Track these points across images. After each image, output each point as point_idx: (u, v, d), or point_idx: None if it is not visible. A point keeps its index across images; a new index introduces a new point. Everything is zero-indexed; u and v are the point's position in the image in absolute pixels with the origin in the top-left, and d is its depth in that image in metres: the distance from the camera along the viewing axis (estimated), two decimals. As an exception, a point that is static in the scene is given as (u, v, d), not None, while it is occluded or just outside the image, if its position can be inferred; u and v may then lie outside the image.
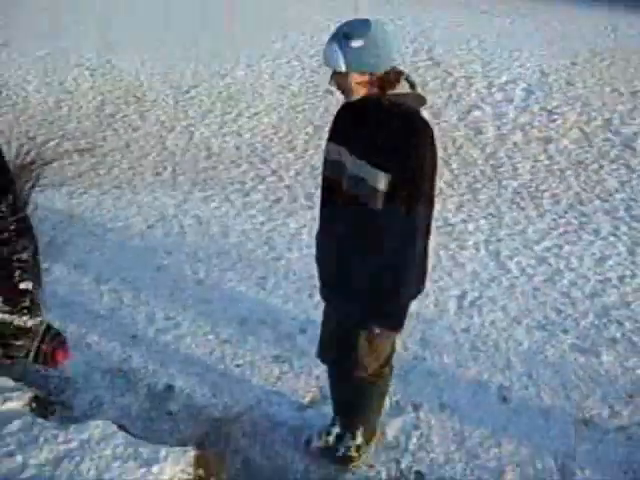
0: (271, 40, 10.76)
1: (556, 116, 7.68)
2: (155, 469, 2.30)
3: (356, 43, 2.28)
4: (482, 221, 5.33)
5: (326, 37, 2.39)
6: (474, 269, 4.67)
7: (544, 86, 8.75)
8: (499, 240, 5.05)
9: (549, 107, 7.98)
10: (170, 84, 8.75)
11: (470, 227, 5.24)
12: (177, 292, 4.34)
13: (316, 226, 2.80)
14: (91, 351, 3.75)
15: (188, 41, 10.67)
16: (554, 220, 5.39)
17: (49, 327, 1.64)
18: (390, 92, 2.37)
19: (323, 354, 2.96)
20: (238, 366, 3.69)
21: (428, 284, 4.42)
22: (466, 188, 5.92)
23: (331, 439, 3.05)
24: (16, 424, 2.46)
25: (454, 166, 6.34)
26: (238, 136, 7.10)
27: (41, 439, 2.38)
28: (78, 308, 4.13)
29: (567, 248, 4.97)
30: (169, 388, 3.51)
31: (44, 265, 4.43)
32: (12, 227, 1.42)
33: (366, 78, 2.34)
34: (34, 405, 2.70)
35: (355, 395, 2.94)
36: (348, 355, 2.74)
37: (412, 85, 2.42)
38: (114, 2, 13.46)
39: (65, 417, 2.94)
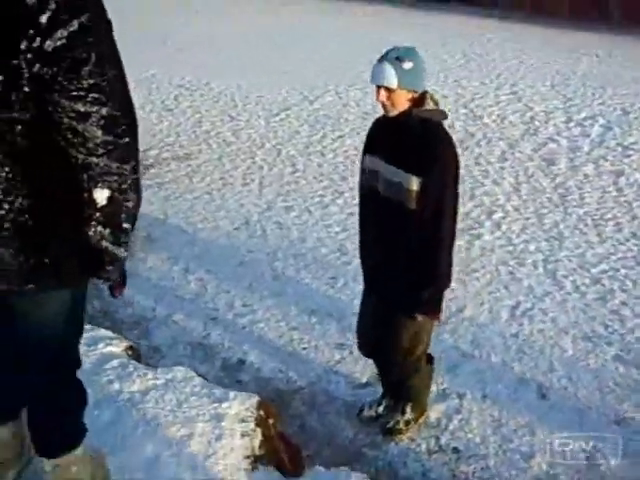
0: (360, 70, 11.33)
1: (631, 151, 7.87)
2: (224, 405, 2.78)
3: (407, 65, 2.76)
4: (543, 243, 5.64)
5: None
6: (530, 284, 4.98)
7: (623, 123, 8.94)
8: (557, 260, 5.34)
9: (625, 143, 8.17)
10: (262, 106, 9.41)
11: (531, 247, 5.55)
12: (255, 284, 4.86)
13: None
14: (177, 326, 4.30)
15: (281, 68, 11.36)
16: (614, 246, 5.63)
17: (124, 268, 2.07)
18: (419, 108, 2.83)
19: (363, 347, 3.40)
20: (304, 349, 4.15)
21: (484, 294, 4.82)
22: (532, 213, 6.22)
23: (381, 409, 3.50)
24: (115, 362, 3.00)
25: (523, 192, 6.65)
26: (322, 156, 7.62)
27: (134, 374, 2.92)
28: (168, 292, 4.69)
29: (623, 272, 5.21)
30: (241, 362, 4.01)
31: (141, 255, 5.05)
32: (129, 181, 1.86)
33: (409, 95, 2.82)
34: (129, 352, 3.25)
35: (403, 377, 3.38)
36: (389, 341, 3.16)
37: (436, 102, 2.88)
38: (215, 32, 14.38)
39: (152, 373, 3.46)
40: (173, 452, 2.50)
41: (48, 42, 1.65)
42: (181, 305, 4.55)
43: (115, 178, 1.84)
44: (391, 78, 2.74)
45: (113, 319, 4.13)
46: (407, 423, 3.45)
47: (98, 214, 1.86)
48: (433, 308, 3.05)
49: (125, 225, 1.92)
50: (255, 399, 2.88)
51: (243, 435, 2.66)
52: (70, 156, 1.78)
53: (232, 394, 2.87)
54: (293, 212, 6.13)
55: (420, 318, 3.07)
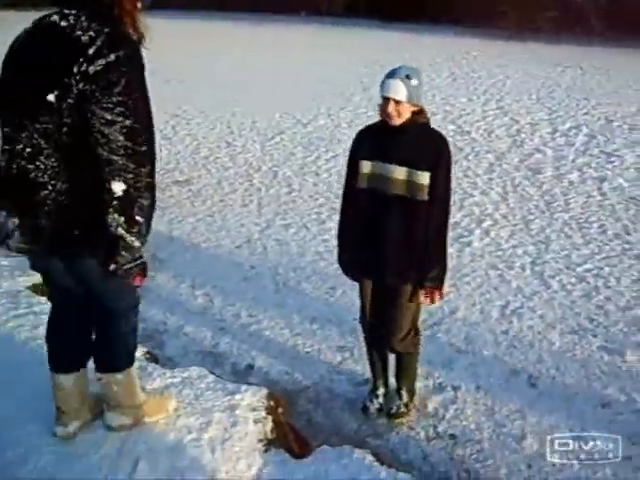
0: (351, 93, 11.71)
1: (614, 158, 8.20)
2: (237, 397, 3.06)
3: (414, 82, 3.21)
4: (530, 247, 5.93)
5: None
6: (518, 285, 5.26)
7: (606, 131, 9.28)
8: (544, 262, 5.63)
9: (609, 150, 8.51)
10: (257, 132, 9.76)
11: (519, 251, 5.84)
12: (259, 297, 5.14)
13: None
14: (187, 338, 4.58)
15: (275, 94, 11.74)
16: (598, 247, 5.92)
17: (143, 260, 2.55)
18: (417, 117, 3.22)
19: (368, 324, 3.70)
20: (307, 353, 4.42)
21: (476, 296, 5.09)
22: (520, 220, 6.52)
23: (381, 400, 3.82)
24: (136, 364, 3.27)
25: (510, 201, 6.97)
26: (316, 175, 7.95)
27: (154, 374, 3.21)
28: (177, 306, 4.97)
29: (607, 270, 5.50)
30: (250, 367, 4.28)
31: (150, 274, 5.32)
32: (144, 182, 2.38)
33: (412, 108, 3.22)
34: (147, 356, 3.53)
35: (398, 364, 3.73)
36: (396, 316, 3.52)
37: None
38: (210, 64, 14.78)
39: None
40: (193, 437, 2.78)
41: (91, 67, 2.27)
42: (190, 318, 4.83)
43: (131, 176, 2.34)
44: (401, 92, 3.15)
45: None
46: (406, 405, 3.79)
47: (115, 202, 2.34)
48: (441, 283, 3.47)
49: (138, 218, 2.39)
50: (265, 391, 3.16)
51: (256, 422, 2.94)
52: (97, 153, 2.34)
53: (244, 387, 3.16)
54: (292, 229, 6.43)
55: (427, 294, 3.48)
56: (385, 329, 3.58)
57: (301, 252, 5.93)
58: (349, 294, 5.10)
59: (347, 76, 13.05)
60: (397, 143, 3.29)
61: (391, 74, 3.19)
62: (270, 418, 3.00)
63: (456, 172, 7.70)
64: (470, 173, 7.84)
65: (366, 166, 3.38)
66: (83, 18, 2.35)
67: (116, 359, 2.83)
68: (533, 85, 12.18)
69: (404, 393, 3.77)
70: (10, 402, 3.03)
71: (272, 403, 3.11)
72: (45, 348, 2.88)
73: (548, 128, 9.55)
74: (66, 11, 2.39)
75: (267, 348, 4.47)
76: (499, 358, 4.35)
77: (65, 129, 2.34)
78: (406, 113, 3.21)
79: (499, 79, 12.76)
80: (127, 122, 2.31)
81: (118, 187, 2.33)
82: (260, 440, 2.87)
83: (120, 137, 2.31)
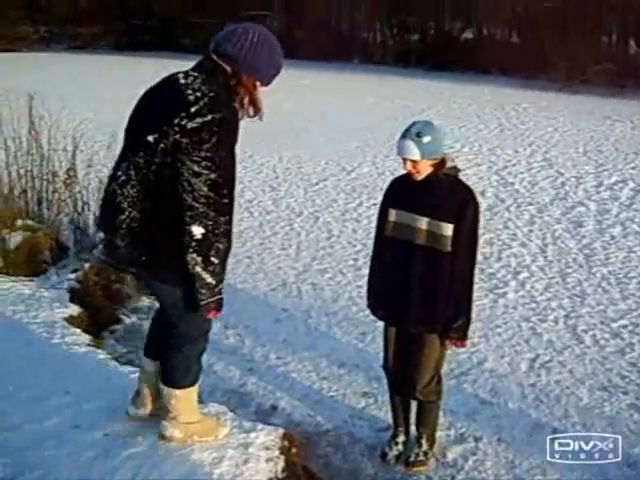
0: (397, 141, 11.83)
1: (659, 213, 8.11)
2: (252, 435, 3.13)
3: (426, 139, 3.29)
4: (566, 300, 5.88)
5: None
6: (550, 338, 5.22)
7: (653, 186, 9.19)
8: (579, 316, 5.58)
9: (654, 205, 8.42)
10: (302, 177, 9.95)
11: (553, 304, 5.80)
12: (289, 340, 5.22)
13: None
14: (215, 376, 4.67)
15: (323, 140, 11.96)
16: (636, 302, 5.84)
17: (221, 297, 2.89)
18: (442, 169, 3.30)
19: (390, 368, 3.77)
20: (332, 397, 4.47)
21: (506, 347, 5.08)
22: (557, 273, 6.48)
23: (400, 447, 3.83)
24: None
25: (549, 254, 6.93)
26: (357, 222, 8.04)
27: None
28: (209, 345, 5.04)
29: (644, 327, 5.43)
30: (273, 408, 4.35)
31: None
32: (222, 229, 2.68)
33: (431, 162, 3.29)
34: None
35: (419, 412, 3.75)
36: (418, 365, 3.56)
37: (452, 160, 3.38)
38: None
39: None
40: (205, 472, 2.86)
41: (190, 123, 2.61)
42: (220, 357, 4.92)
43: (210, 223, 2.64)
44: (414, 152, 3.26)
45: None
46: (426, 454, 3.77)
47: (194, 244, 2.64)
48: (464, 335, 3.54)
49: (213, 259, 2.69)
50: (280, 431, 3.23)
51: (268, 460, 3.00)
52: (181, 198, 2.66)
53: (260, 426, 3.23)
54: (327, 274, 6.52)
55: (450, 344, 3.57)
56: (408, 376, 3.62)
57: (335, 297, 6.00)
58: (378, 341, 5.10)
59: (394, 124, 13.16)
60: (422, 194, 3.40)
61: (403, 134, 3.31)
62: (282, 458, 3.06)
63: (496, 223, 7.74)
64: (510, 224, 7.84)
65: (393, 214, 3.51)
66: (199, 80, 2.70)
67: (178, 377, 3.08)
68: (581, 138, 12.15)
69: (424, 441, 3.77)
70: (33, 429, 3.15)
71: (286, 443, 3.17)
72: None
73: (593, 181, 9.50)
74: (191, 72, 2.77)
75: (292, 390, 4.54)
76: (524, 411, 4.33)
77: (153, 167, 2.70)
78: (425, 169, 3.32)
79: (547, 131, 12.76)
80: (212, 175, 2.60)
81: (197, 231, 2.62)
82: (270, 479, 2.93)
83: (204, 188, 2.60)
